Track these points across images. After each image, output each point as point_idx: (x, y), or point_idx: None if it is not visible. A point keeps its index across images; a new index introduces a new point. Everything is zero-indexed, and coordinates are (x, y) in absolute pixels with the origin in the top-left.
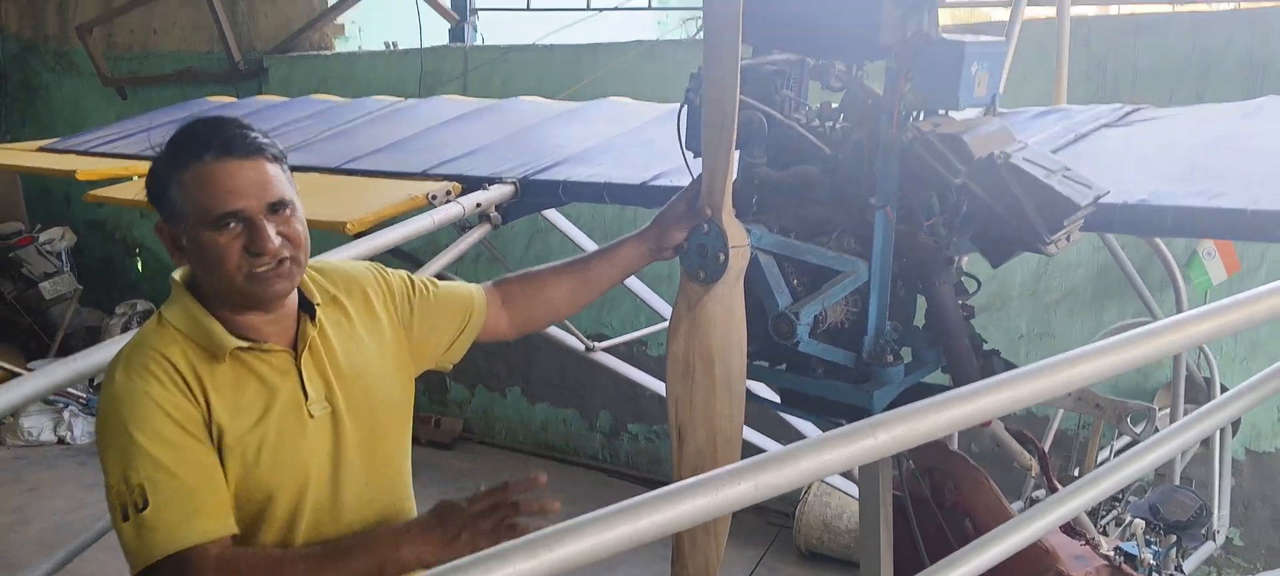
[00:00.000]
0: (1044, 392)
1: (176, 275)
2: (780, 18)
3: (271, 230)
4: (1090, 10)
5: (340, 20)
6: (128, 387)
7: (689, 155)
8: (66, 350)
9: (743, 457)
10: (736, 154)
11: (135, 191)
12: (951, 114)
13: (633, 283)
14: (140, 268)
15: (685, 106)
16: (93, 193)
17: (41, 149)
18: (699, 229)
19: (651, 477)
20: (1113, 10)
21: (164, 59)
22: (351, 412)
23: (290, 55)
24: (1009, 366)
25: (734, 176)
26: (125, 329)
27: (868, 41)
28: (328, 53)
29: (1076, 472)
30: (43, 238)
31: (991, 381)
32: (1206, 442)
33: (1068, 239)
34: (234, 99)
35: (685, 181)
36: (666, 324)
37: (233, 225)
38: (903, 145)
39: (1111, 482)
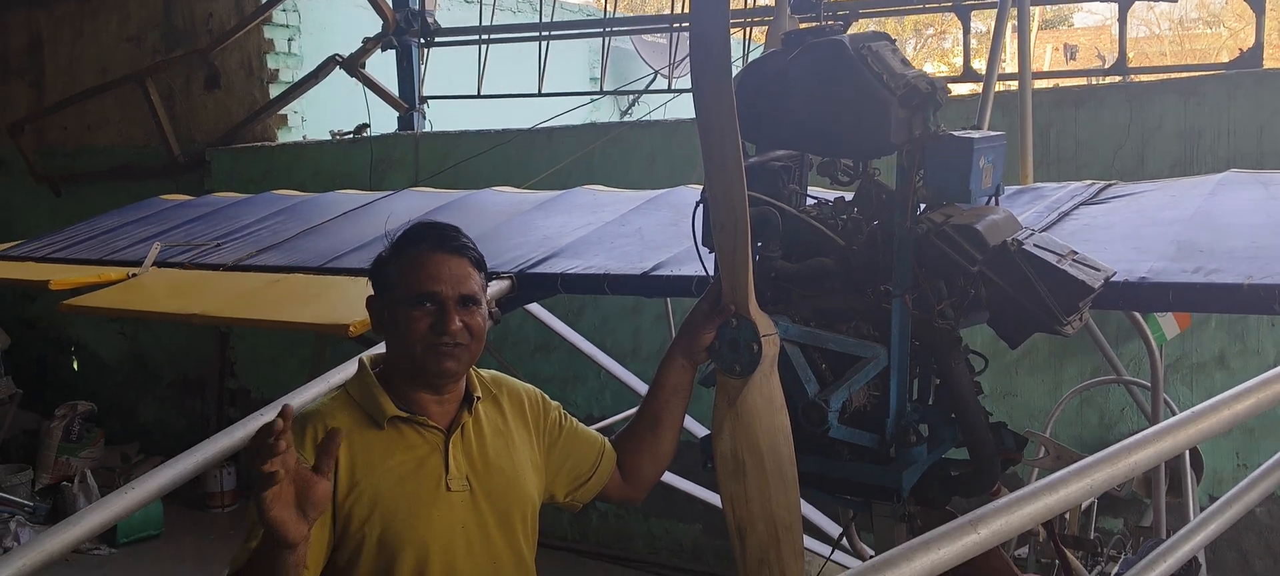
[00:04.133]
0: (1113, 478)
1: (365, 357)
2: (788, 119)
3: (457, 317)
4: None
5: (283, 111)
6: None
7: (704, 251)
8: (5, 456)
9: None
10: None
11: (113, 298)
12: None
13: (601, 357)
14: (76, 366)
15: (701, 205)
16: (68, 302)
17: None
18: (727, 325)
19: (621, 556)
20: (1045, 84)
21: (99, 154)
22: (489, 496)
23: (233, 147)
24: (1016, 437)
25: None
26: (66, 433)
27: (879, 141)
28: (271, 144)
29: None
30: None
31: (1070, 471)
32: (1177, 493)
33: (1080, 319)
34: (188, 198)
35: (684, 270)
36: (635, 410)
37: (428, 305)
38: (917, 237)
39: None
